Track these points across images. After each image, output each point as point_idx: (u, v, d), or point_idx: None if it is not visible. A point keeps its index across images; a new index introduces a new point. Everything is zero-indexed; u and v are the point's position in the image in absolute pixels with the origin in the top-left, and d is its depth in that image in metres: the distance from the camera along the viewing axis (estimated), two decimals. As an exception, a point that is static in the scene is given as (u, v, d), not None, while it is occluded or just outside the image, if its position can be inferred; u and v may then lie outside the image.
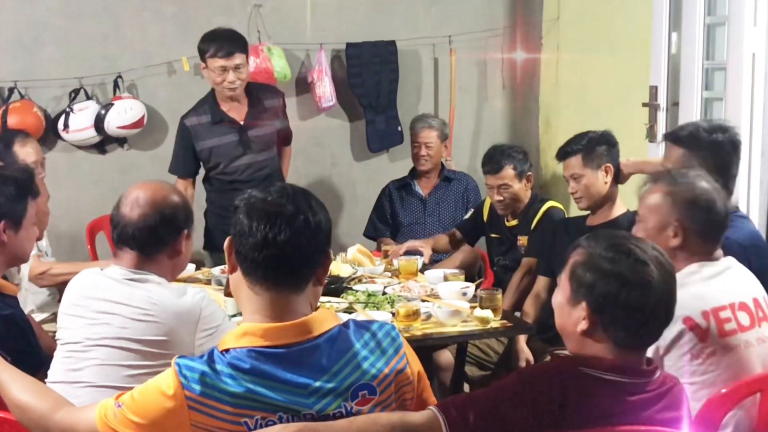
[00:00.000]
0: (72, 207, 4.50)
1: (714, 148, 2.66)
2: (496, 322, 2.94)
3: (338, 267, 3.35)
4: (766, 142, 3.55)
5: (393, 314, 2.91)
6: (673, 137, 2.77)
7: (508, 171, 3.72)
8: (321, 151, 4.97)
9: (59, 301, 2.31)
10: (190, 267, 3.43)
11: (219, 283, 3.29)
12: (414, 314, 2.87)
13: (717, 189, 2.28)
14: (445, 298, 3.12)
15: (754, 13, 3.50)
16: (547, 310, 3.08)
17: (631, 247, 1.78)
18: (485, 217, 3.99)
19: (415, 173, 4.55)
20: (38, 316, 3.23)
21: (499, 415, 1.72)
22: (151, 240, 2.19)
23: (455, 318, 2.92)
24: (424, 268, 3.67)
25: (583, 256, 1.81)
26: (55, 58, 4.50)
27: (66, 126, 4.41)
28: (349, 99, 4.91)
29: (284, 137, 4.22)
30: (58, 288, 3.37)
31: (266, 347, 1.62)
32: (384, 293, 3.24)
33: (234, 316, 2.72)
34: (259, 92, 4.02)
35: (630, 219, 2.84)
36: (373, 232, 4.56)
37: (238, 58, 3.81)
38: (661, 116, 3.99)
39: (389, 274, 3.59)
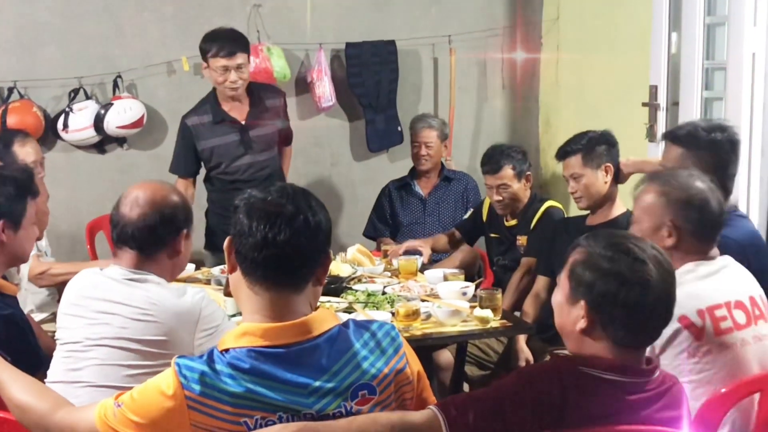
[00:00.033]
0: (71, 207, 4.50)
1: (712, 148, 2.66)
2: (495, 322, 2.94)
3: (338, 267, 3.35)
4: (766, 141, 3.55)
5: (393, 314, 2.91)
6: (672, 136, 2.77)
7: (507, 171, 3.72)
8: (321, 151, 4.97)
9: (59, 300, 2.31)
10: (190, 267, 3.43)
11: (219, 283, 3.29)
12: (414, 314, 2.87)
13: (711, 189, 2.28)
14: (445, 298, 3.12)
15: (754, 13, 3.50)
16: (546, 310, 3.07)
17: (630, 246, 1.79)
18: (484, 217, 3.99)
19: (414, 173, 4.55)
20: (38, 316, 3.23)
21: (499, 414, 1.72)
22: (150, 239, 2.19)
23: (455, 318, 2.92)
24: (424, 267, 3.67)
25: (583, 255, 1.81)
26: (55, 57, 4.50)
27: (65, 126, 4.41)
28: (349, 99, 4.91)
29: (285, 137, 4.22)
30: (58, 288, 3.37)
31: (266, 347, 1.62)
32: (384, 293, 3.24)
33: (234, 315, 2.72)
34: (260, 92, 4.02)
35: (629, 219, 2.83)
36: (373, 232, 4.56)
37: (240, 58, 3.81)
38: (661, 116, 3.99)
39: (389, 273, 3.59)
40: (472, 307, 2.98)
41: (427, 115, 4.64)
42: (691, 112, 3.78)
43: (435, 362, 3.51)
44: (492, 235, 3.96)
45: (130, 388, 1.70)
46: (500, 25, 5.06)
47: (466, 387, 3.54)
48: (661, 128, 3.94)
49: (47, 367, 2.20)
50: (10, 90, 4.39)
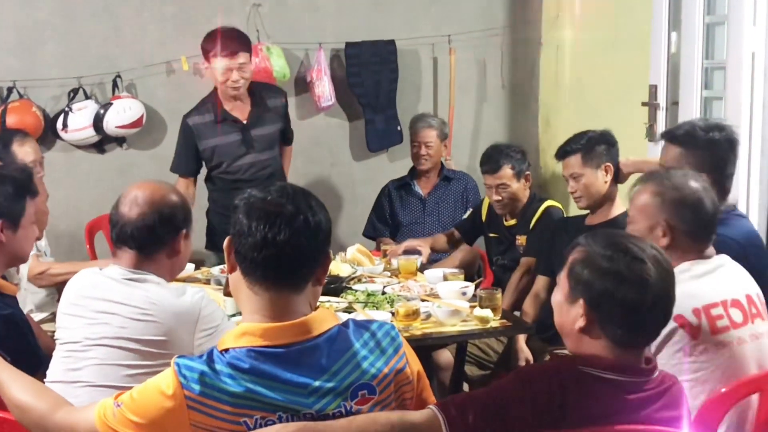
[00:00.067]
0: (71, 207, 4.49)
1: (710, 147, 2.66)
2: (495, 322, 2.94)
3: (337, 266, 3.35)
4: (766, 141, 3.54)
5: (392, 314, 2.91)
6: (670, 136, 2.77)
7: (507, 170, 3.72)
8: (320, 150, 4.97)
9: (58, 300, 2.31)
10: (190, 267, 3.42)
11: (218, 283, 3.29)
12: (413, 314, 2.87)
13: (706, 188, 2.29)
14: (445, 298, 3.12)
15: (753, 13, 3.50)
16: (546, 310, 3.07)
17: (629, 245, 1.79)
18: (484, 217, 3.99)
19: (414, 173, 4.55)
20: (37, 316, 3.23)
21: (499, 414, 1.72)
22: (149, 239, 2.18)
23: (455, 317, 2.92)
24: (423, 267, 3.67)
25: (582, 254, 1.82)
26: (54, 57, 4.49)
27: (65, 125, 4.41)
28: (349, 98, 4.91)
29: (286, 137, 4.22)
30: (57, 288, 3.36)
31: (266, 347, 1.62)
32: (383, 293, 3.24)
33: (233, 315, 2.72)
34: (262, 92, 4.02)
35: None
36: (373, 232, 4.56)
37: (242, 57, 3.81)
38: (661, 115, 3.99)
39: (388, 273, 3.59)
40: (472, 307, 2.98)
41: (426, 114, 4.64)
42: (690, 112, 3.78)
43: (435, 362, 3.51)
44: (491, 234, 3.96)
45: (129, 388, 1.70)
46: (500, 25, 5.06)
47: (465, 387, 3.54)
48: (660, 128, 3.93)
49: (47, 367, 2.20)
50: (10, 90, 4.38)
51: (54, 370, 2.17)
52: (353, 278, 3.37)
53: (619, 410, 1.74)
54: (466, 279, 3.38)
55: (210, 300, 2.21)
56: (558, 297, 1.87)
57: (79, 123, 4.41)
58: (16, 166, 3.04)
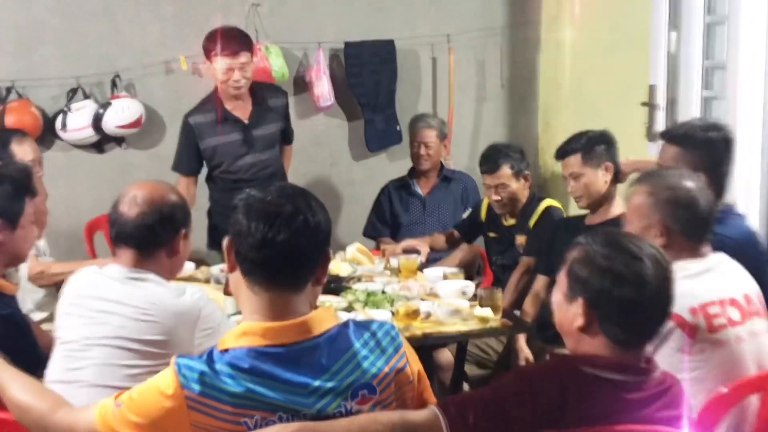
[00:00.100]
0: (70, 206, 4.49)
1: (708, 146, 2.66)
2: (495, 321, 2.94)
3: (337, 266, 3.35)
4: (766, 142, 3.54)
5: (392, 313, 2.91)
6: (668, 136, 2.78)
7: (506, 170, 3.72)
8: (320, 150, 4.96)
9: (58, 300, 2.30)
10: (190, 266, 3.42)
11: (218, 282, 3.29)
12: (414, 313, 2.87)
13: (700, 188, 2.29)
14: (445, 297, 3.12)
15: (753, 13, 3.50)
16: (546, 309, 3.07)
17: (628, 244, 1.80)
18: (483, 217, 3.98)
19: (414, 173, 4.55)
20: (36, 316, 3.22)
21: (499, 414, 1.72)
22: (149, 238, 2.18)
23: (455, 317, 2.92)
24: (422, 266, 3.67)
25: (581, 253, 1.83)
26: (53, 57, 4.49)
27: (64, 125, 4.41)
28: (348, 98, 4.91)
29: (287, 136, 4.22)
30: (57, 287, 3.36)
31: (266, 347, 1.62)
32: (383, 292, 3.24)
33: (233, 314, 2.72)
34: (263, 91, 4.02)
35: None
36: (373, 232, 4.55)
37: (244, 57, 3.81)
38: (660, 115, 3.99)
39: (388, 273, 3.59)
40: (472, 306, 2.98)
41: (426, 114, 4.64)
42: (690, 112, 3.79)
43: (435, 361, 3.51)
44: (491, 234, 3.96)
45: (129, 388, 1.70)
46: (499, 25, 5.06)
47: (466, 386, 3.53)
48: (660, 128, 3.93)
49: (46, 367, 2.19)
50: (9, 90, 4.37)
51: (53, 370, 2.17)
52: (353, 278, 3.37)
53: (619, 410, 1.74)
54: (466, 278, 3.38)
55: (209, 300, 2.21)
56: (557, 296, 1.88)
57: (78, 123, 4.41)
58: (16, 165, 3.03)
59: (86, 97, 4.47)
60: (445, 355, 3.50)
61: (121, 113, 4.43)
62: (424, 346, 3.01)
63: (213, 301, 2.25)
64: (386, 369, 1.70)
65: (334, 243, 3.92)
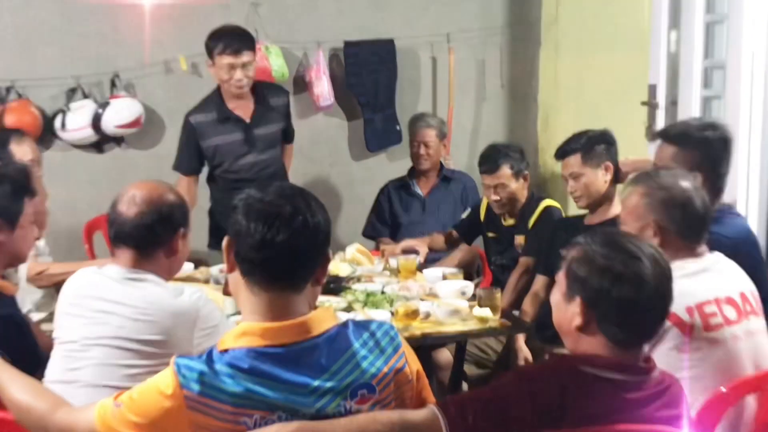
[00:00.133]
0: (69, 206, 4.49)
1: (704, 146, 2.66)
2: (494, 321, 2.94)
3: (337, 266, 3.35)
4: (766, 141, 3.54)
5: (392, 313, 2.91)
6: (665, 135, 2.78)
7: (505, 170, 3.71)
8: (319, 150, 4.96)
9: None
10: (189, 266, 3.42)
11: (217, 282, 3.29)
12: (413, 313, 2.87)
13: (695, 187, 2.29)
14: (444, 297, 3.12)
15: (753, 12, 3.50)
16: (545, 309, 3.06)
17: (626, 244, 1.80)
18: (482, 217, 3.98)
19: (413, 173, 4.55)
20: (36, 316, 3.22)
21: (499, 413, 1.72)
22: (148, 238, 2.18)
23: (454, 317, 2.92)
24: (421, 266, 3.66)
25: (580, 252, 1.83)
26: (53, 57, 4.49)
27: (63, 125, 4.41)
28: (348, 98, 4.91)
29: (288, 135, 4.22)
30: (56, 287, 3.35)
31: (265, 347, 1.62)
32: (383, 292, 3.24)
33: (233, 314, 2.71)
34: (265, 91, 4.02)
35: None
36: (372, 232, 4.55)
37: (246, 56, 3.81)
38: (660, 115, 3.98)
39: (388, 273, 3.59)
40: (471, 306, 2.98)
41: (425, 114, 4.64)
42: (690, 111, 3.78)
43: (434, 361, 3.51)
44: (490, 234, 3.95)
45: (128, 388, 1.70)
46: (499, 24, 5.06)
47: (465, 386, 3.53)
48: (660, 127, 3.93)
49: (46, 367, 2.19)
50: (8, 89, 4.38)
51: (52, 370, 2.17)
52: (352, 278, 3.37)
53: (619, 409, 1.74)
54: (466, 278, 3.37)
55: (208, 300, 2.21)
56: (556, 295, 1.88)
57: (77, 123, 4.41)
58: (15, 165, 3.03)
59: (85, 96, 4.47)
60: (445, 355, 3.49)
61: (121, 113, 4.43)
62: (424, 346, 3.01)
63: (212, 301, 2.24)
64: (385, 369, 1.70)
65: (333, 243, 3.91)
